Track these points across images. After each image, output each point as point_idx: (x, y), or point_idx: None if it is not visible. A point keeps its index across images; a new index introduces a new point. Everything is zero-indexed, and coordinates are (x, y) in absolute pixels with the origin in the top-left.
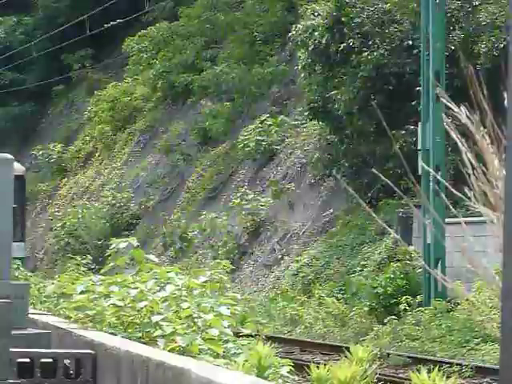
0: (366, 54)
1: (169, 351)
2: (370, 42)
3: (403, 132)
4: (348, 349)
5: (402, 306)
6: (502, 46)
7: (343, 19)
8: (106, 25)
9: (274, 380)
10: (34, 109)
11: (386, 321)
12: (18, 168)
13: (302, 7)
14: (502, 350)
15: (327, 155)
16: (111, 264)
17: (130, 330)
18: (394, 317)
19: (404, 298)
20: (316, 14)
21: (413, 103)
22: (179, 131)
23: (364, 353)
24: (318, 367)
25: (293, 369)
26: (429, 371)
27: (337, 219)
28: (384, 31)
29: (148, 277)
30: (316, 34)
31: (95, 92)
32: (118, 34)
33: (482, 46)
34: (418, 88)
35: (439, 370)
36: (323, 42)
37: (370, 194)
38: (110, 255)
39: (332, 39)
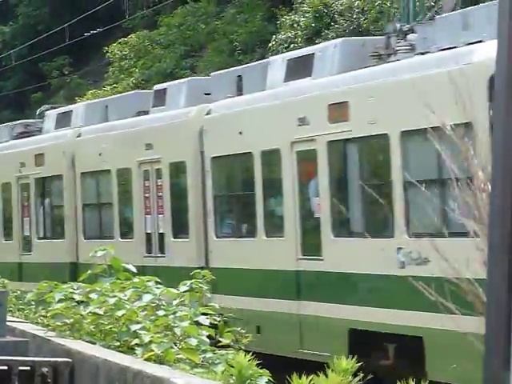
0: None
1: (145, 359)
2: None
3: None
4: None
5: None
6: None
7: (322, 30)
8: (86, 33)
9: None
10: (13, 116)
11: None
12: None
13: (282, 17)
14: (485, 364)
15: None
16: (89, 272)
17: (107, 339)
18: None
19: None
20: (295, 25)
21: None
22: None
23: (348, 364)
24: (300, 377)
25: (271, 379)
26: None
27: None
28: None
29: (126, 286)
30: (293, 45)
31: (75, 98)
32: (98, 42)
33: None
34: None
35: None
36: None
37: None
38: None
39: None
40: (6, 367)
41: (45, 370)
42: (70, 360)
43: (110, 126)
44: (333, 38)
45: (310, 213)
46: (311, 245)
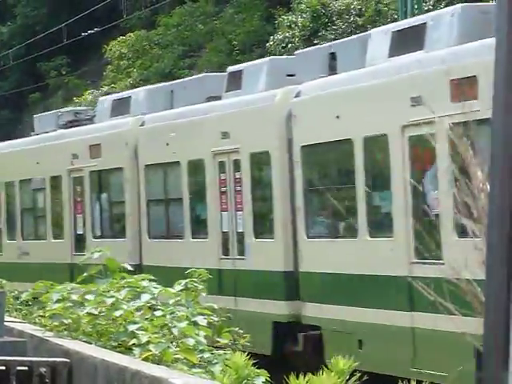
0: None
1: (143, 360)
2: None
3: None
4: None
5: None
6: None
7: (319, 30)
8: (83, 33)
9: None
10: (11, 116)
11: None
12: None
13: (279, 17)
14: (484, 364)
15: None
16: (85, 274)
17: (103, 339)
18: None
19: None
20: (293, 25)
21: None
22: None
23: (345, 365)
24: (297, 377)
25: (269, 379)
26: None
27: None
28: None
29: (121, 285)
30: (291, 45)
31: (74, 98)
32: (96, 42)
33: None
34: None
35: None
36: None
37: None
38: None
39: None
40: (4, 367)
41: (43, 370)
42: (68, 360)
43: (178, 113)
44: (331, 40)
45: (426, 209)
46: (428, 247)
